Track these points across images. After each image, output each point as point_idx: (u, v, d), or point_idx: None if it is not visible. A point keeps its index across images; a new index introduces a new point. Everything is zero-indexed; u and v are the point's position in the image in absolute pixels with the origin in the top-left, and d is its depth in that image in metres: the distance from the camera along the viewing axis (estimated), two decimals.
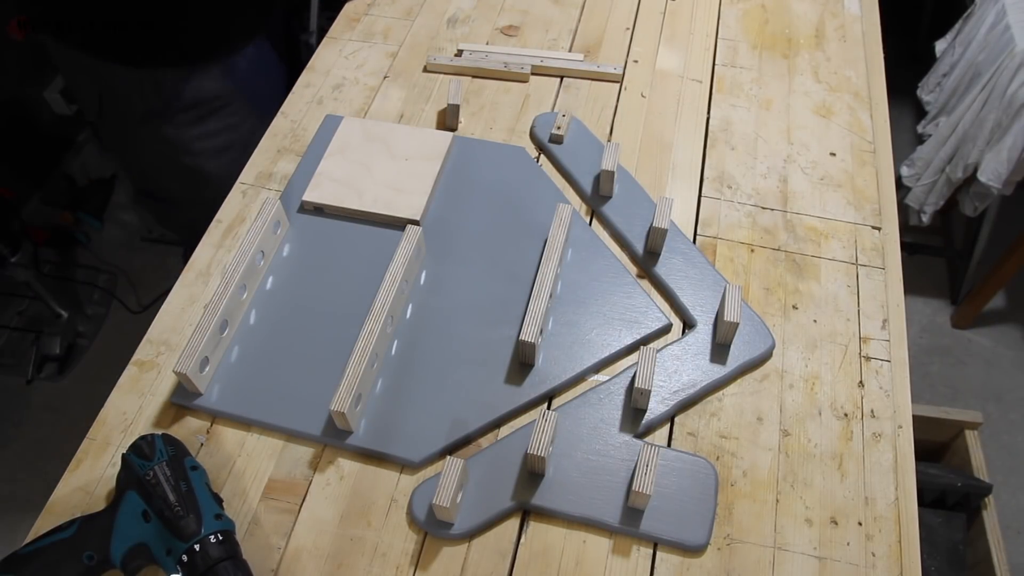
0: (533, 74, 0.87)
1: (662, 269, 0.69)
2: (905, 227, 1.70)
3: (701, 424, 0.62)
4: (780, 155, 0.79)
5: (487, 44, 0.91)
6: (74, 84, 0.85)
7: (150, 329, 0.68)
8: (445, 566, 0.55)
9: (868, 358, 0.65)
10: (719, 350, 0.64)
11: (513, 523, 0.57)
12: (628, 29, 0.93)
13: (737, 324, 0.63)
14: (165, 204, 1.01)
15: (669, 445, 0.61)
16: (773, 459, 0.60)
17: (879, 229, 0.73)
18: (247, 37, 0.84)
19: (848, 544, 0.56)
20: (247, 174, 0.80)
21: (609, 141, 0.75)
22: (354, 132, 0.79)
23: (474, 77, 0.88)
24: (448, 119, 0.83)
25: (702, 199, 0.76)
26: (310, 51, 0.89)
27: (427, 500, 0.56)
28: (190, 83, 0.78)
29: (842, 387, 0.63)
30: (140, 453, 0.54)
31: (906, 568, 0.56)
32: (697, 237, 0.73)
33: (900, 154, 1.39)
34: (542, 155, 0.80)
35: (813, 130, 0.81)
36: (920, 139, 1.57)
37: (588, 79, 0.87)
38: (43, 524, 0.57)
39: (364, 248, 0.72)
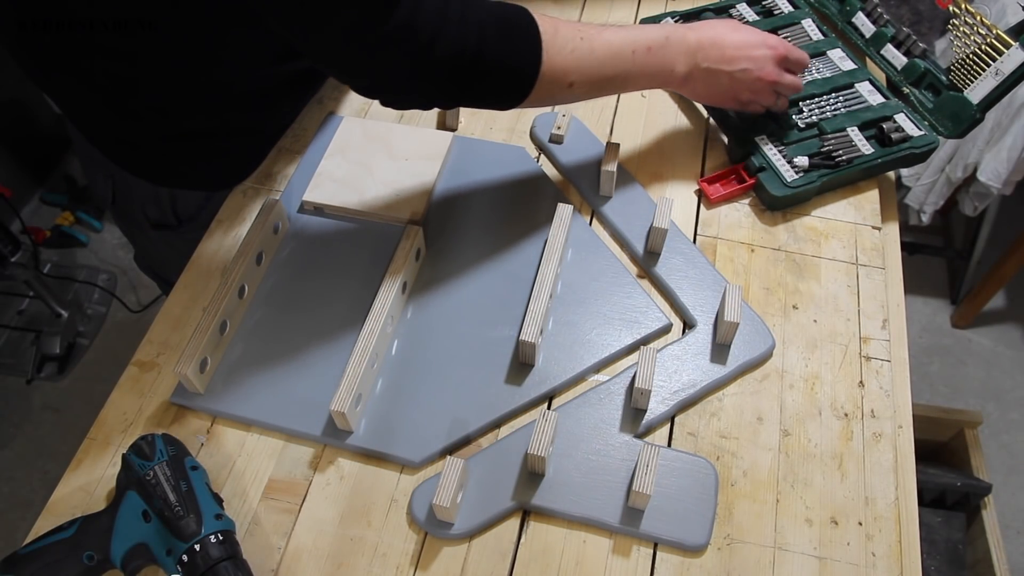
0: None
1: (662, 269, 0.69)
2: (905, 227, 1.71)
3: (701, 424, 0.62)
4: None
5: None
6: (87, 168, 0.83)
7: (150, 329, 0.68)
8: (445, 566, 0.55)
9: (868, 358, 0.65)
10: (719, 350, 0.64)
11: (513, 523, 0.57)
12: None
13: (737, 324, 0.63)
14: (161, 281, 1.02)
15: (669, 445, 0.61)
16: (773, 459, 0.60)
17: (879, 229, 0.73)
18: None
19: (848, 544, 0.56)
20: None
21: (609, 141, 0.74)
22: (354, 132, 0.79)
23: None
24: (448, 119, 0.83)
25: (702, 198, 0.76)
26: None
27: (427, 500, 0.56)
28: (211, 202, 0.79)
29: (842, 387, 0.63)
30: (140, 453, 0.54)
31: (906, 568, 0.56)
32: (697, 237, 0.73)
33: None
34: (542, 155, 0.80)
35: None
36: None
37: None
38: (43, 524, 0.57)
39: (364, 248, 0.72)
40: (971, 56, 0.72)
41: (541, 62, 0.59)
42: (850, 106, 0.78)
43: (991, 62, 0.70)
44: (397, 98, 0.60)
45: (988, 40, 0.70)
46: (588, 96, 0.66)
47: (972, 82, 0.72)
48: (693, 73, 0.68)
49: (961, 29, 0.72)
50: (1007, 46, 0.69)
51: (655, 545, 0.56)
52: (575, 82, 0.62)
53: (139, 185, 0.77)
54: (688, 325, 0.67)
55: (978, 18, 0.70)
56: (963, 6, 0.72)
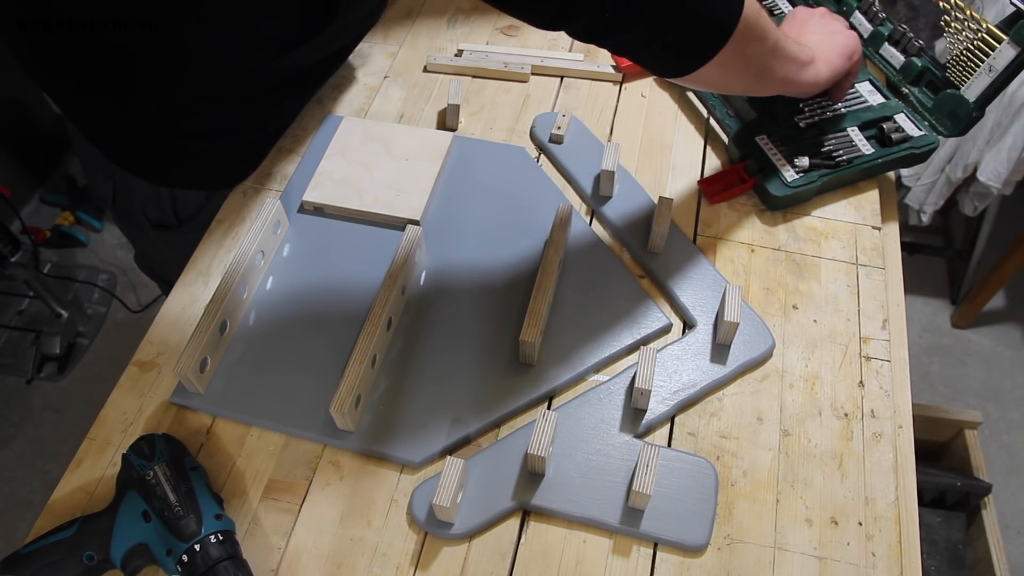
0: (533, 74, 0.88)
1: (662, 269, 0.69)
2: (905, 227, 1.71)
3: (701, 424, 0.62)
4: None
5: (487, 44, 0.91)
6: (87, 168, 0.83)
7: (150, 329, 0.68)
8: (445, 566, 0.55)
9: (868, 358, 0.65)
10: (719, 350, 0.64)
11: (513, 523, 0.57)
12: None
13: (737, 324, 0.63)
14: (161, 281, 1.02)
15: (669, 445, 0.61)
16: (773, 459, 0.60)
17: (879, 229, 0.73)
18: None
19: (848, 544, 0.56)
20: None
21: (609, 141, 0.74)
22: (354, 132, 0.79)
23: (474, 77, 0.88)
24: (448, 119, 0.83)
25: (702, 199, 0.76)
26: None
27: (427, 500, 0.57)
28: (211, 202, 0.79)
29: (842, 387, 0.63)
30: (140, 453, 0.54)
31: (906, 568, 0.56)
32: (697, 237, 0.73)
33: None
34: (542, 155, 0.80)
35: None
36: None
37: (588, 79, 0.87)
38: (43, 524, 0.57)
39: (364, 248, 0.72)
40: (964, 52, 0.72)
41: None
42: (850, 106, 0.78)
43: (984, 58, 0.70)
44: (586, 22, 0.53)
45: (979, 35, 0.70)
46: (772, 68, 0.63)
47: (968, 79, 0.72)
48: (806, 40, 0.68)
49: (953, 25, 0.72)
50: (999, 41, 0.68)
51: (655, 545, 0.56)
52: (773, 41, 0.60)
53: (139, 185, 0.77)
54: (688, 325, 0.67)
55: (968, 12, 0.70)
56: (952, 1, 0.71)
